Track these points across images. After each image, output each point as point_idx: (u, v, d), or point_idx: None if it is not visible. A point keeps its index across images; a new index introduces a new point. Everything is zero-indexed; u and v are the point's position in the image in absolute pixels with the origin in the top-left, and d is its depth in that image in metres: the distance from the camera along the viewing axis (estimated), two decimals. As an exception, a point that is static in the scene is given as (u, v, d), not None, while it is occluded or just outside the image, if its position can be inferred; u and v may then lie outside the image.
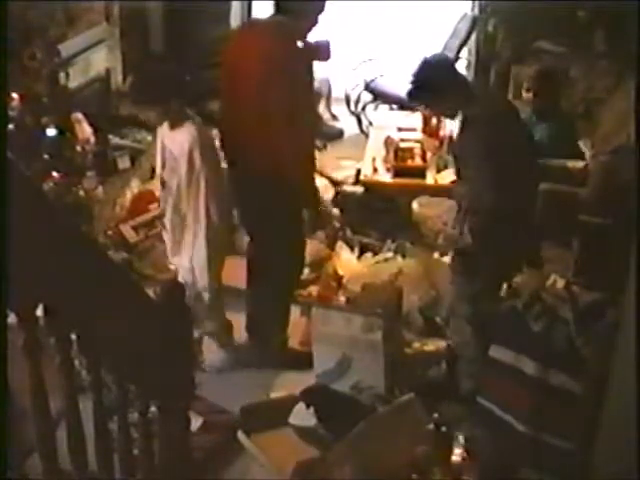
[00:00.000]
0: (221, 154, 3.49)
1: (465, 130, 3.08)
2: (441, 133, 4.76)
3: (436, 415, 2.94)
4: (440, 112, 3.46)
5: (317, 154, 3.93)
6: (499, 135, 2.94)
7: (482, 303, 3.09)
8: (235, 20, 6.33)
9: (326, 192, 4.85)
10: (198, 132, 3.20)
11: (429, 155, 4.65)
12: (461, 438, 2.87)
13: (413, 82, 3.06)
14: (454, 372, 3.33)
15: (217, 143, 3.50)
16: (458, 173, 3.25)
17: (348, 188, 5.02)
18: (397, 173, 4.73)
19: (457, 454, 2.81)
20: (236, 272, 3.84)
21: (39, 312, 1.58)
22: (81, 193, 4.19)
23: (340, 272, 4.20)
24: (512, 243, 2.98)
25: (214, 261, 3.36)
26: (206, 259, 3.31)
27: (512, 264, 3.07)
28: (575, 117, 4.89)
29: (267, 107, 3.09)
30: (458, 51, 6.04)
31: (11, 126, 3.88)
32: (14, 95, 3.98)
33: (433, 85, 3.04)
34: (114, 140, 4.85)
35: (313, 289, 4.06)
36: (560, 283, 2.89)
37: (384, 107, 6.51)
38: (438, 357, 3.53)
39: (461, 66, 6.18)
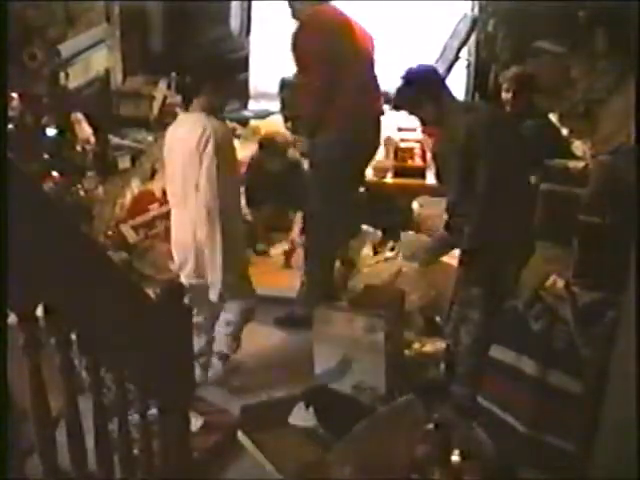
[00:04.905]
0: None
1: (442, 136, 3.24)
2: (441, 133, 4.75)
3: (436, 415, 2.94)
4: (425, 120, 3.53)
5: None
6: (472, 144, 3.00)
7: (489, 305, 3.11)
8: (235, 20, 6.33)
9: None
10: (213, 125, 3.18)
11: (429, 155, 4.65)
12: (461, 438, 2.87)
13: (399, 89, 3.28)
14: (454, 373, 3.33)
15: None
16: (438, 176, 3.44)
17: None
18: (397, 173, 4.74)
19: (457, 454, 2.81)
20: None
21: (39, 312, 1.59)
22: (81, 193, 4.20)
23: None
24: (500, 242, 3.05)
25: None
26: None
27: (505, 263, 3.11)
28: (572, 116, 4.91)
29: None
30: (458, 51, 6.04)
31: (11, 126, 3.88)
32: (14, 95, 3.98)
33: (413, 93, 3.21)
34: (114, 140, 4.85)
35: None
36: (560, 283, 2.89)
37: (384, 107, 6.49)
38: (438, 358, 3.53)
39: (461, 66, 6.18)
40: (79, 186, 4.20)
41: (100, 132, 4.60)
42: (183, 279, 3.29)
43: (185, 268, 3.30)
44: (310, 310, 3.54)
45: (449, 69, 5.74)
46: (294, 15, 3.80)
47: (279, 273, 4.47)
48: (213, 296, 3.32)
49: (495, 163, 3.00)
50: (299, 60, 3.74)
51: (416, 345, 3.67)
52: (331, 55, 3.67)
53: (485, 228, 3.06)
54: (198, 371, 3.27)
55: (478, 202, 3.03)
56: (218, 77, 3.34)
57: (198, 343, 3.35)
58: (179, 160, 3.21)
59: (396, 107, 4.29)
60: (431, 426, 2.88)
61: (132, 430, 1.90)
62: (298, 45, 3.72)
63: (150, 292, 1.99)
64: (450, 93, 3.25)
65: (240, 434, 3.09)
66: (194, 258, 3.25)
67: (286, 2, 3.82)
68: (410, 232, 4.43)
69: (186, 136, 3.18)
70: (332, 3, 3.90)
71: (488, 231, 3.06)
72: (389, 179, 4.75)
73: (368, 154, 4.08)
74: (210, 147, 3.11)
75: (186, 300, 3.13)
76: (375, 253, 4.50)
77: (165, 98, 5.55)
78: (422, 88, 3.18)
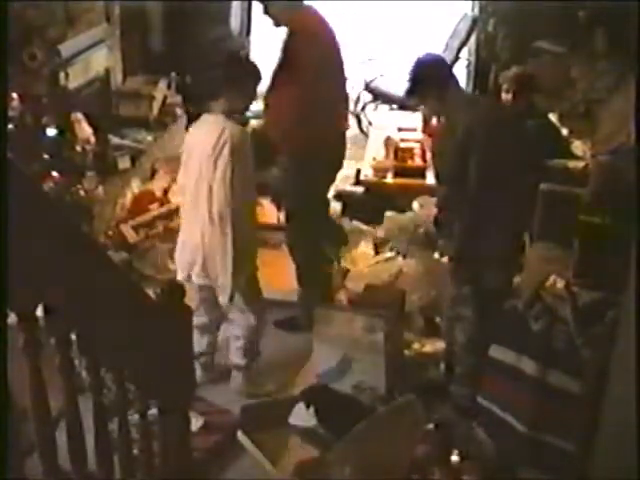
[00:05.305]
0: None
1: (443, 131, 3.23)
2: (441, 133, 4.76)
3: (436, 415, 2.94)
4: (431, 111, 3.51)
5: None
6: (470, 142, 2.98)
7: (483, 304, 3.11)
8: (235, 20, 6.34)
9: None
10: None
11: (429, 155, 4.66)
12: (461, 438, 2.87)
13: (408, 80, 3.17)
14: (453, 373, 3.33)
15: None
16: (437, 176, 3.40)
17: (348, 188, 5.03)
18: (397, 173, 4.74)
19: (457, 454, 2.81)
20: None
21: (39, 312, 1.59)
22: (81, 193, 4.20)
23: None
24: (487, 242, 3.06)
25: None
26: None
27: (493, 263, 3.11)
28: (572, 116, 4.92)
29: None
30: (458, 51, 6.05)
31: (11, 126, 3.88)
32: (14, 95, 3.99)
33: (421, 83, 3.14)
34: (114, 140, 4.85)
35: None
36: (560, 283, 2.89)
37: (384, 107, 6.52)
38: (438, 358, 3.53)
39: (461, 66, 6.19)
40: (79, 186, 4.20)
41: (100, 132, 4.60)
42: (193, 279, 3.29)
43: (194, 268, 3.30)
44: (309, 313, 3.54)
45: (449, 69, 5.74)
46: (267, 12, 3.63)
47: (278, 273, 4.46)
48: (223, 299, 3.31)
49: (490, 163, 2.98)
50: (287, 71, 3.54)
51: (416, 345, 3.67)
52: (322, 68, 3.54)
53: (474, 232, 3.05)
54: (199, 371, 3.27)
55: (468, 202, 3.01)
56: (241, 80, 3.28)
57: (201, 343, 3.35)
58: (196, 161, 3.20)
59: (403, 104, 4.30)
60: (431, 426, 2.89)
61: (132, 430, 1.90)
62: (289, 55, 3.54)
63: (150, 292, 1.99)
64: (457, 83, 3.21)
65: (240, 434, 3.09)
66: (201, 259, 3.24)
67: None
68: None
69: (204, 137, 3.17)
70: (316, 10, 3.72)
71: (477, 234, 3.04)
72: (389, 179, 4.76)
73: (335, 167, 3.94)
74: (226, 150, 3.10)
75: (196, 300, 3.17)
76: (376, 253, 4.50)
77: (165, 98, 5.56)
78: (430, 77, 3.13)
